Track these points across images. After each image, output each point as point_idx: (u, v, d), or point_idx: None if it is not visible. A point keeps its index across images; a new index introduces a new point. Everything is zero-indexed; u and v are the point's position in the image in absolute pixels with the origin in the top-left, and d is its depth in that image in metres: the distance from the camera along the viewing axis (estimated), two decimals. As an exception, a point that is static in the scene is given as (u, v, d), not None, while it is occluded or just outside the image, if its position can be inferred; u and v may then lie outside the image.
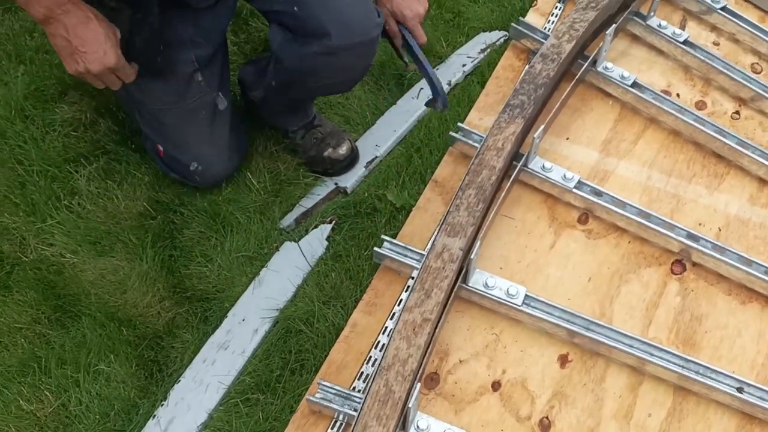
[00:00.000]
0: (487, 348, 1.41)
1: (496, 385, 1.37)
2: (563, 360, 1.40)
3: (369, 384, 1.20)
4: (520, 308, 1.40)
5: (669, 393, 1.37)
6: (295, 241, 1.59)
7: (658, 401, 1.36)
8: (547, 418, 1.34)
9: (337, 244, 1.57)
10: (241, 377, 1.36)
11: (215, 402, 1.33)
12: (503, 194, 1.51)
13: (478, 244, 1.37)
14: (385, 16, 1.63)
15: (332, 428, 1.30)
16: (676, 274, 1.52)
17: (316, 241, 1.60)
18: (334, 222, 1.65)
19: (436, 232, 1.38)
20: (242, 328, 1.43)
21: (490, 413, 1.33)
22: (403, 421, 1.21)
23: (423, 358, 1.25)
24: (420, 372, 1.23)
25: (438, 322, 1.31)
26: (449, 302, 1.35)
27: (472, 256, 1.35)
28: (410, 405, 1.17)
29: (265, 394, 1.36)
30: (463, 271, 1.40)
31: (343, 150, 1.81)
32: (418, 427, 1.25)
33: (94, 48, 1.27)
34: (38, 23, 1.32)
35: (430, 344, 1.29)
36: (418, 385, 1.19)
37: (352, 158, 1.83)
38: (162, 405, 1.32)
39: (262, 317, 1.44)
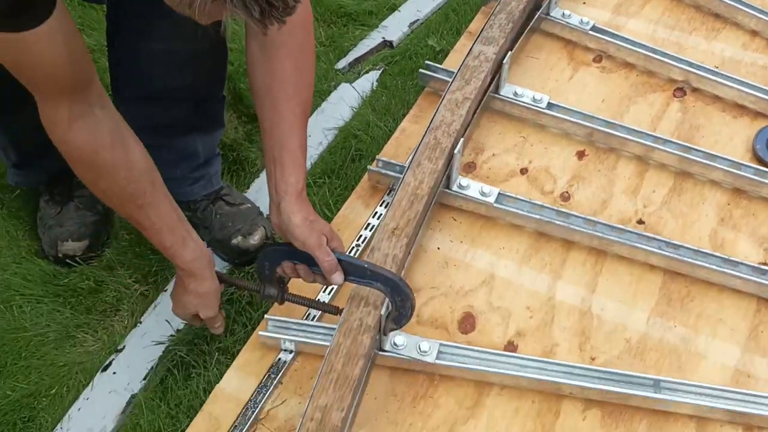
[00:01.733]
0: (516, 146, 1.67)
1: (523, 171, 1.62)
2: (581, 154, 1.65)
3: (419, 145, 1.46)
4: (545, 111, 1.66)
5: (671, 176, 1.61)
6: (350, 82, 1.87)
7: (662, 182, 1.61)
8: (567, 192, 1.59)
9: (386, 80, 1.85)
10: (312, 168, 1.65)
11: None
12: (528, 28, 1.78)
13: (508, 54, 1.64)
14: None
15: (388, 194, 1.57)
16: (677, 97, 1.77)
17: (367, 82, 1.88)
18: (382, 69, 1.93)
19: (472, 44, 1.65)
20: (310, 140, 1.71)
21: (519, 189, 1.58)
22: (449, 172, 1.48)
23: (465, 127, 1.51)
24: (463, 131, 1.49)
25: (478, 104, 1.57)
26: (484, 97, 1.62)
27: (505, 60, 1.62)
28: (456, 152, 1.43)
29: (330, 178, 1.63)
30: (495, 81, 1.67)
31: (257, 239, 1.54)
32: (460, 185, 1.51)
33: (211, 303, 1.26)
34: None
35: (472, 118, 1.55)
36: (462, 139, 1.46)
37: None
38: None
39: (326, 130, 1.73)
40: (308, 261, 1.21)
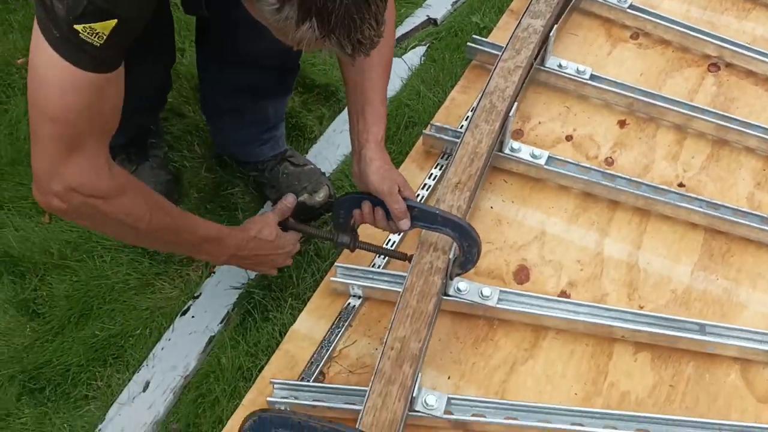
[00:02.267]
0: (560, 115, 1.76)
1: (568, 137, 1.72)
2: (622, 123, 1.75)
3: (475, 108, 1.56)
4: (588, 82, 1.76)
5: (708, 144, 1.71)
6: (398, 56, 1.96)
7: (700, 149, 1.70)
8: (610, 157, 1.68)
9: (433, 54, 1.95)
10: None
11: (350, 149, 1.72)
12: (569, 6, 1.88)
13: (554, 27, 1.73)
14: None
15: (441, 158, 1.66)
16: (712, 72, 1.86)
17: (415, 56, 1.98)
18: (428, 44, 2.02)
19: (520, 17, 1.74)
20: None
21: (565, 154, 1.67)
22: (502, 136, 1.57)
23: (517, 93, 1.61)
24: (516, 94, 1.59)
25: (528, 71, 1.67)
26: (533, 66, 1.72)
27: (551, 33, 1.72)
28: (510, 115, 1.52)
29: (385, 144, 1.72)
30: (540, 54, 1.76)
31: (321, 197, 1.63)
32: (512, 148, 1.60)
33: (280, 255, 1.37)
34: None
35: (522, 85, 1.65)
36: (516, 103, 1.55)
37: (329, 206, 1.63)
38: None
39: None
40: (382, 208, 1.30)
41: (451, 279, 1.35)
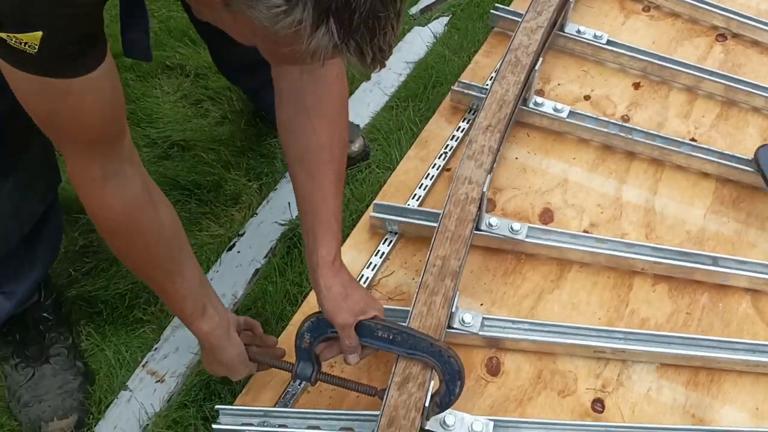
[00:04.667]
0: (578, 77, 1.87)
1: (587, 97, 1.83)
2: (636, 85, 1.86)
3: (500, 63, 1.66)
4: (604, 47, 1.87)
5: (717, 104, 1.82)
6: (422, 25, 2.08)
7: (709, 109, 1.81)
8: (626, 115, 1.79)
9: (456, 23, 2.06)
10: (396, 93, 1.85)
11: (383, 104, 1.83)
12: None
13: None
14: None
15: (468, 113, 1.77)
16: (719, 41, 1.98)
17: (439, 25, 2.09)
18: (451, 15, 2.14)
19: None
20: (388, 73, 1.91)
21: (584, 110, 1.78)
22: (526, 92, 1.68)
23: (540, 50, 1.71)
24: (539, 51, 1.69)
25: (549, 32, 1.78)
26: (553, 31, 1.83)
27: (571, 1, 1.83)
28: (535, 68, 1.63)
29: (414, 101, 1.83)
30: (559, 21, 1.87)
31: (357, 147, 1.68)
32: (536, 102, 1.71)
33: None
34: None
35: (544, 45, 1.76)
36: (540, 59, 1.66)
37: (364, 156, 1.70)
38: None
39: (406, 63, 1.93)
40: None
41: (428, 419, 1.19)
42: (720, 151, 1.65)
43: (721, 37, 1.99)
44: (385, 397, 1.12)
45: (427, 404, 1.11)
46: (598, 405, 1.31)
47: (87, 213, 1.03)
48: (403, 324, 1.19)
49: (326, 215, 1.18)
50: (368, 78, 0.76)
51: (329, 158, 1.16)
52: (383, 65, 0.81)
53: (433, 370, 1.15)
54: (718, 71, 1.82)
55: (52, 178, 1.23)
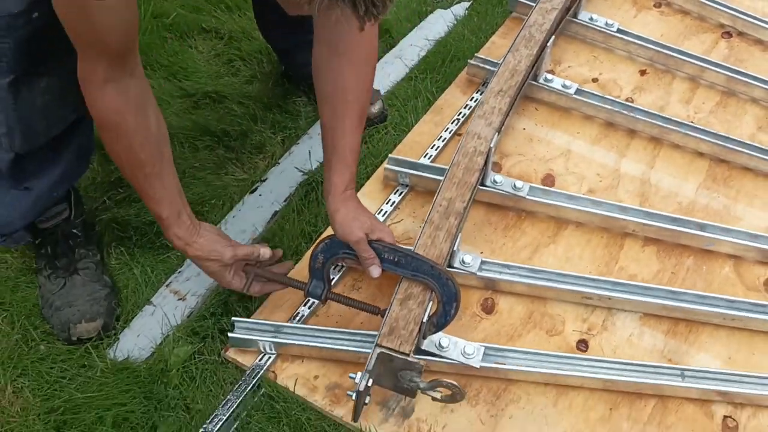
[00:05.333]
0: (588, 62, 1.99)
1: (594, 80, 1.94)
2: (642, 72, 1.97)
3: (515, 39, 1.78)
4: (615, 34, 1.98)
5: (718, 93, 1.93)
6: (444, 8, 2.21)
7: (710, 97, 1.92)
8: (630, 98, 1.89)
9: (476, 7, 2.18)
10: (417, 65, 1.98)
11: (403, 75, 1.95)
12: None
13: (588, -17, 1.97)
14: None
15: (482, 86, 1.89)
16: (725, 38, 2.09)
17: (460, 8, 2.20)
18: (472, 0, 2.26)
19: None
20: (410, 48, 2.04)
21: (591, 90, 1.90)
22: (537, 69, 1.79)
23: (554, 29, 1.83)
24: (553, 30, 1.81)
25: (563, 16, 1.89)
26: (566, 16, 1.95)
27: (585, -14, 1.95)
28: (548, 44, 1.75)
29: (432, 74, 1.95)
30: (573, 9, 1.99)
31: (375, 109, 1.79)
32: (546, 79, 1.82)
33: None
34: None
35: (558, 26, 1.87)
36: (552, 37, 1.78)
37: (381, 118, 1.81)
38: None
39: (426, 39, 2.06)
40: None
41: (424, 338, 1.30)
42: (716, 132, 1.76)
43: (727, 34, 2.10)
44: (387, 311, 1.24)
45: (425, 320, 1.23)
46: (582, 345, 1.42)
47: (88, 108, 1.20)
48: (409, 248, 1.30)
49: (343, 148, 1.34)
50: (362, 29, 0.88)
51: (353, 99, 1.32)
52: (377, 19, 0.89)
53: (433, 292, 1.26)
54: (721, 62, 1.93)
55: (82, 96, 1.34)
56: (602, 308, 1.47)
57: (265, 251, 1.39)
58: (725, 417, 1.34)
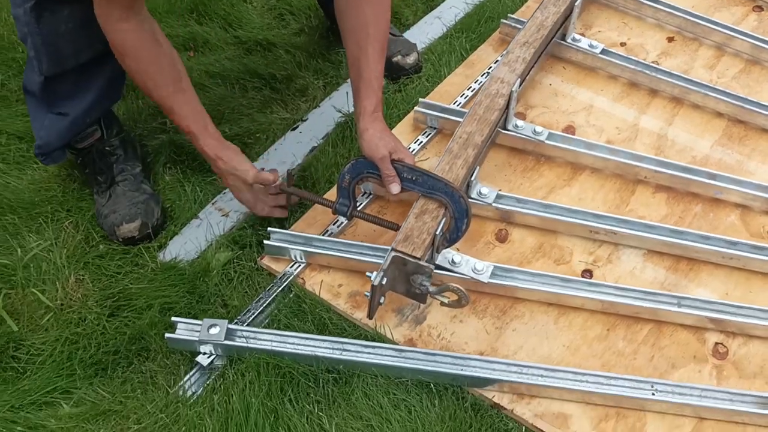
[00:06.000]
0: (618, 27, 2.08)
1: (622, 44, 2.04)
2: (670, 39, 2.05)
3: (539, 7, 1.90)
4: (646, 2, 2.07)
5: (742, 61, 2.00)
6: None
7: (734, 64, 1.99)
8: (656, 61, 1.98)
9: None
10: (454, 25, 2.11)
11: (440, 33, 2.09)
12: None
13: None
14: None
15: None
16: (756, 12, 2.15)
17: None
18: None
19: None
20: (449, 10, 2.17)
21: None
22: (565, 29, 1.90)
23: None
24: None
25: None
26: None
27: (617, -45, 2.05)
28: (576, 4, 1.85)
29: (467, 33, 2.08)
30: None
31: (411, 60, 1.94)
32: (574, 38, 1.93)
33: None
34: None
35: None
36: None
37: (416, 69, 1.96)
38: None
39: (465, 3, 2.19)
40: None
41: (438, 252, 1.41)
42: (736, 94, 1.84)
43: (758, 8, 2.16)
44: (404, 223, 1.38)
45: (438, 233, 1.36)
46: (586, 274, 1.53)
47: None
48: (426, 169, 1.44)
49: (369, 76, 1.49)
50: None
51: (373, 32, 1.49)
52: None
53: (446, 209, 1.39)
54: (748, 32, 2.01)
55: None
56: (609, 243, 1.58)
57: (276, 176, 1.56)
58: (716, 343, 1.43)
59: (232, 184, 1.53)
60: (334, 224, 1.58)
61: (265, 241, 1.51)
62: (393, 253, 1.32)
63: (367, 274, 1.31)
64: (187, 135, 1.50)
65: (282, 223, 1.60)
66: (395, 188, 1.44)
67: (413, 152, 1.74)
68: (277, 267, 1.53)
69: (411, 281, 1.34)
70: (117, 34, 1.36)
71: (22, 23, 1.41)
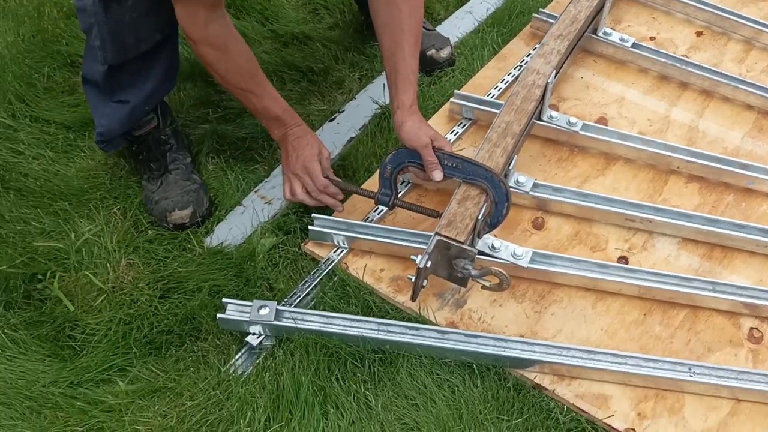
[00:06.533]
0: (647, 22, 2.12)
1: (652, 38, 2.07)
2: (699, 33, 2.08)
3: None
4: (674, -5, 2.11)
5: (771, 55, 2.03)
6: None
7: (763, 58, 2.02)
8: (685, 55, 2.02)
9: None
10: (485, 20, 2.15)
11: (472, 28, 2.13)
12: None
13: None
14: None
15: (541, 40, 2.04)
16: (783, 4, 2.18)
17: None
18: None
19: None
20: (480, 5, 2.21)
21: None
22: (596, 23, 1.93)
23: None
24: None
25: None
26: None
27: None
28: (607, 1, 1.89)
29: (498, 27, 2.12)
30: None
31: (445, 53, 1.98)
32: (605, 32, 1.96)
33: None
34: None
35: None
36: (611, -7, 1.92)
37: (450, 62, 1.99)
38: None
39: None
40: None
41: (479, 237, 1.45)
42: (767, 87, 1.87)
43: (784, -1, 2.19)
44: (447, 208, 1.42)
45: (480, 217, 1.40)
46: (622, 261, 1.57)
47: (193, 50, 1.48)
48: (466, 155, 1.48)
49: (405, 71, 1.53)
50: None
51: (408, 27, 1.53)
52: None
53: (487, 195, 1.43)
54: (773, 24, 2.04)
55: (166, 17, 1.52)
56: (644, 231, 1.61)
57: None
58: (751, 328, 1.47)
59: (309, 155, 1.58)
60: (374, 211, 1.63)
61: (310, 227, 1.56)
62: (437, 238, 1.36)
63: (412, 257, 1.36)
64: (274, 122, 1.58)
65: (326, 210, 1.65)
66: (438, 175, 1.48)
67: (450, 142, 1.78)
68: (321, 252, 1.57)
69: (453, 265, 1.39)
70: (208, 36, 1.43)
71: (89, 14, 1.46)
